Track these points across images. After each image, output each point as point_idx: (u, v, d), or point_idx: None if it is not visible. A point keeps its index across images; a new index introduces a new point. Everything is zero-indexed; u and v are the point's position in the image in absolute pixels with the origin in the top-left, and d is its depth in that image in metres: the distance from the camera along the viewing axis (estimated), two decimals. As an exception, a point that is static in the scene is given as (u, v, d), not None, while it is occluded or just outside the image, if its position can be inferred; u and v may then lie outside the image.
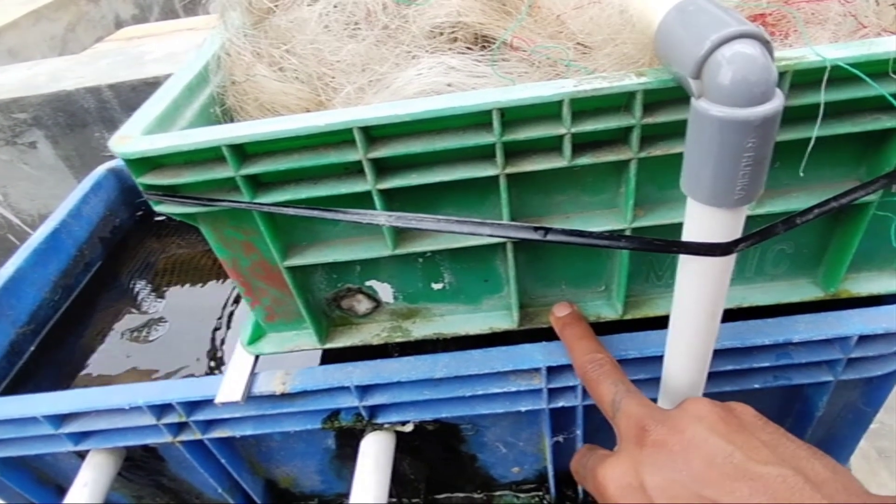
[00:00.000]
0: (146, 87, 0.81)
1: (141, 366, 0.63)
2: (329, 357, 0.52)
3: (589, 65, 0.35)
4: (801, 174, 0.37)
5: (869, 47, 0.32)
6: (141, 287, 0.74)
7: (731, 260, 0.32)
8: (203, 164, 0.35)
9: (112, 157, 0.90)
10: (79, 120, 0.83)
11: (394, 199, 0.37)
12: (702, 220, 0.30)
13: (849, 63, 0.31)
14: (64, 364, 0.65)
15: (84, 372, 0.64)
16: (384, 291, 0.45)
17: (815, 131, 0.34)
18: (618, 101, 0.33)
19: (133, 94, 0.81)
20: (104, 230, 0.80)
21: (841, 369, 0.45)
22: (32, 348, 0.65)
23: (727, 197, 0.28)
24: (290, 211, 0.35)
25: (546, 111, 0.33)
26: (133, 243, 0.83)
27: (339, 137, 0.34)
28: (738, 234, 0.31)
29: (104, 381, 0.63)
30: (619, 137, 0.35)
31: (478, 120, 0.34)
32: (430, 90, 0.34)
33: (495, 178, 0.36)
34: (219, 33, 0.47)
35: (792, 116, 0.34)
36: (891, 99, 0.31)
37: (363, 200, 0.37)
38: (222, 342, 0.65)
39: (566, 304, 0.45)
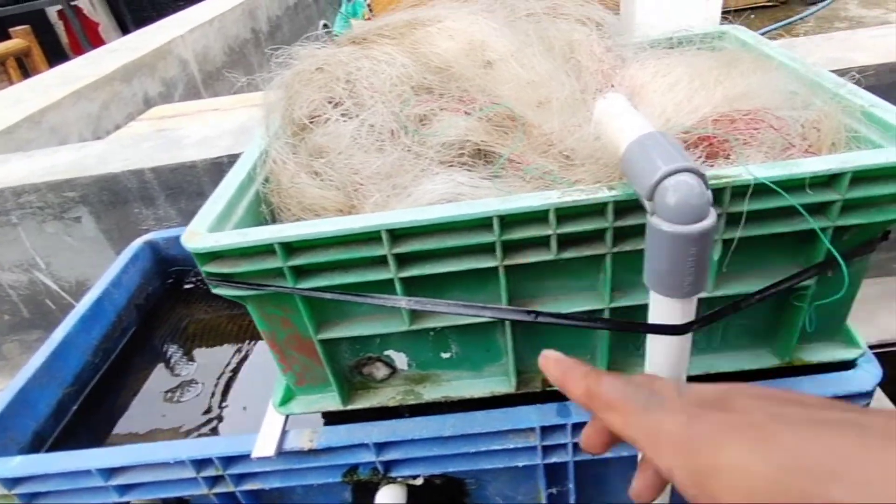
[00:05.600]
0: (183, 170, 0.90)
1: (174, 424, 0.69)
2: (331, 415, 0.58)
3: (571, 177, 0.43)
4: (751, 262, 0.46)
5: (790, 168, 0.40)
6: (172, 351, 0.81)
7: (688, 337, 0.40)
8: (257, 256, 0.43)
9: (148, 230, 0.99)
10: (121, 198, 0.93)
11: (412, 284, 0.45)
12: (661, 307, 0.38)
13: (773, 181, 0.39)
14: (103, 423, 0.71)
15: (121, 429, 0.70)
16: (400, 360, 0.52)
17: (751, 231, 0.42)
18: (594, 209, 0.41)
19: (171, 176, 0.91)
20: (139, 297, 0.88)
21: (800, 429, 0.52)
22: (75, 407, 0.72)
23: (678, 290, 0.36)
24: (328, 295, 0.43)
25: (536, 216, 0.41)
26: (164, 309, 0.90)
27: (369, 236, 0.42)
28: (691, 317, 0.38)
29: (140, 438, 0.68)
30: (596, 236, 0.43)
31: (481, 223, 0.42)
32: (443, 199, 0.42)
33: (495, 268, 0.44)
34: (261, 137, 0.57)
35: (737, 219, 0.42)
36: (800, 209, 0.39)
37: (386, 285, 0.44)
38: (242, 402, 0.71)
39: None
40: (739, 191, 0.41)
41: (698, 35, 0.70)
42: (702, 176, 0.34)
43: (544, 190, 0.42)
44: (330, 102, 0.50)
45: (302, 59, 0.53)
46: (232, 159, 0.88)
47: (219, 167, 0.89)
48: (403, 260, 0.44)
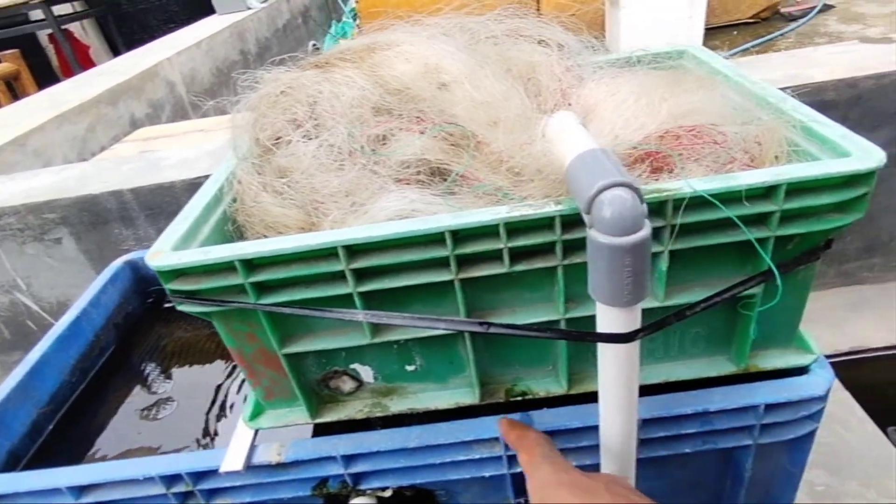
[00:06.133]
0: (162, 191, 0.92)
1: (150, 442, 0.70)
2: (320, 429, 0.59)
3: (521, 192, 0.45)
4: (701, 272, 0.47)
5: (727, 181, 0.42)
6: (150, 369, 0.82)
7: (635, 345, 0.41)
8: (219, 273, 0.45)
9: (128, 250, 1.00)
10: (101, 218, 0.94)
11: (371, 298, 0.46)
12: (606, 316, 0.39)
13: (710, 194, 0.41)
14: (79, 441, 0.72)
15: (97, 448, 0.71)
16: (366, 373, 0.53)
17: (695, 242, 0.44)
18: (542, 222, 0.43)
19: (151, 197, 0.92)
20: (118, 317, 0.89)
21: (757, 434, 0.53)
22: (51, 427, 0.72)
23: (619, 299, 0.37)
24: (287, 310, 0.44)
25: (487, 231, 0.43)
26: (144, 328, 0.91)
27: (327, 252, 0.43)
28: (636, 326, 0.40)
29: (116, 457, 0.69)
30: (547, 248, 0.45)
31: (435, 238, 0.43)
32: (399, 215, 0.44)
33: (452, 282, 0.45)
34: (230, 159, 0.58)
35: (681, 230, 0.44)
36: (736, 220, 0.41)
37: (346, 299, 0.46)
38: (219, 418, 0.72)
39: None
40: (681, 203, 0.42)
41: (659, 54, 0.72)
42: (636, 190, 0.36)
43: (495, 205, 0.44)
44: (293, 124, 0.52)
45: (267, 82, 0.55)
46: (210, 179, 0.89)
47: (197, 187, 0.90)
48: (362, 275, 0.45)
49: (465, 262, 0.45)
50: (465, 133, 0.49)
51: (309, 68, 0.56)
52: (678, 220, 0.42)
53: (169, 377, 0.80)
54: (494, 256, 0.45)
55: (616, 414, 0.45)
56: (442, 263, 0.45)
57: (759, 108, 0.54)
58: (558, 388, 0.54)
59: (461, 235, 0.43)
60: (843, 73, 0.90)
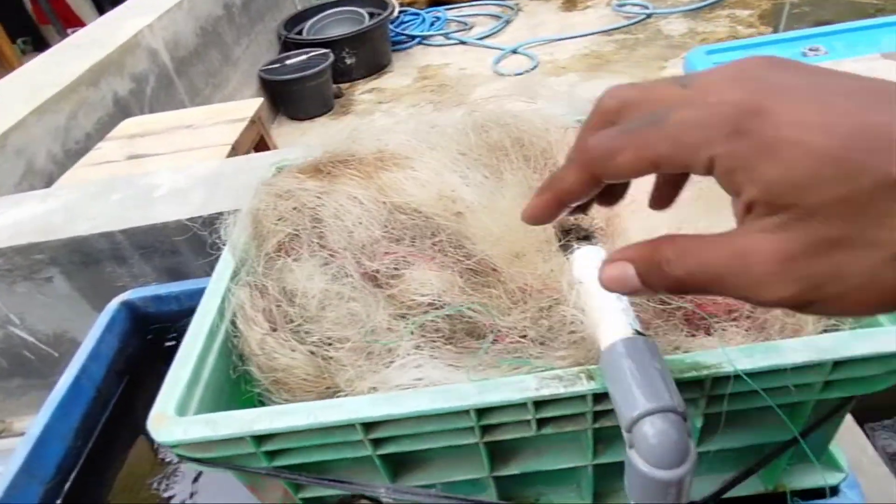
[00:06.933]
0: (155, 231, 0.87)
1: (161, 518, 0.70)
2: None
3: (547, 361, 0.41)
4: (734, 421, 0.45)
5: (771, 358, 0.39)
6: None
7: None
8: (229, 443, 0.42)
9: (123, 287, 0.96)
10: (92, 258, 0.90)
11: (390, 458, 0.44)
12: (642, 514, 0.37)
13: (752, 372, 0.38)
14: (89, 514, 0.71)
15: (108, 523, 0.70)
16: (384, 495, 0.52)
17: (730, 407, 0.41)
18: (573, 396, 0.40)
19: (143, 237, 0.88)
20: (119, 363, 0.86)
21: (784, 555, 0.53)
22: (59, 502, 0.71)
23: (658, 512, 0.35)
24: (303, 480, 0.42)
25: (514, 405, 0.40)
26: (145, 370, 0.89)
27: (344, 425, 0.41)
28: (674, 515, 0.38)
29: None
30: (577, 414, 0.42)
31: (459, 412, 0.41)
32: (417, 383, 0.41)
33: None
34: (227, 259, 0.54)
35: (720, 397, 0.41)
36: (776, 408, 0.38)
37: (365, 460, 0.44)
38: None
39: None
40: (720, 379, 0.40)
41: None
42: (682, 414, 0.33)
43: (521, 373, 0.41)
44: (291, 252, 0.48)
45: (260, 192, 0.51)
46: (206, 220, 0.84)
47: (190, 230, 0.86)
48: (380, 440, 0.43)
49: (487, 427, 0.43)
50: (491, 266, 0.45)
51: (309, 174, 0.51)
52: (720, 391, 0.40)
53: (176, 441, 0.78)
54: (519, 421, 0.43)
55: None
56: (465, 429, 0.42)
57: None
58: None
59: (487, 409, 0.41)
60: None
